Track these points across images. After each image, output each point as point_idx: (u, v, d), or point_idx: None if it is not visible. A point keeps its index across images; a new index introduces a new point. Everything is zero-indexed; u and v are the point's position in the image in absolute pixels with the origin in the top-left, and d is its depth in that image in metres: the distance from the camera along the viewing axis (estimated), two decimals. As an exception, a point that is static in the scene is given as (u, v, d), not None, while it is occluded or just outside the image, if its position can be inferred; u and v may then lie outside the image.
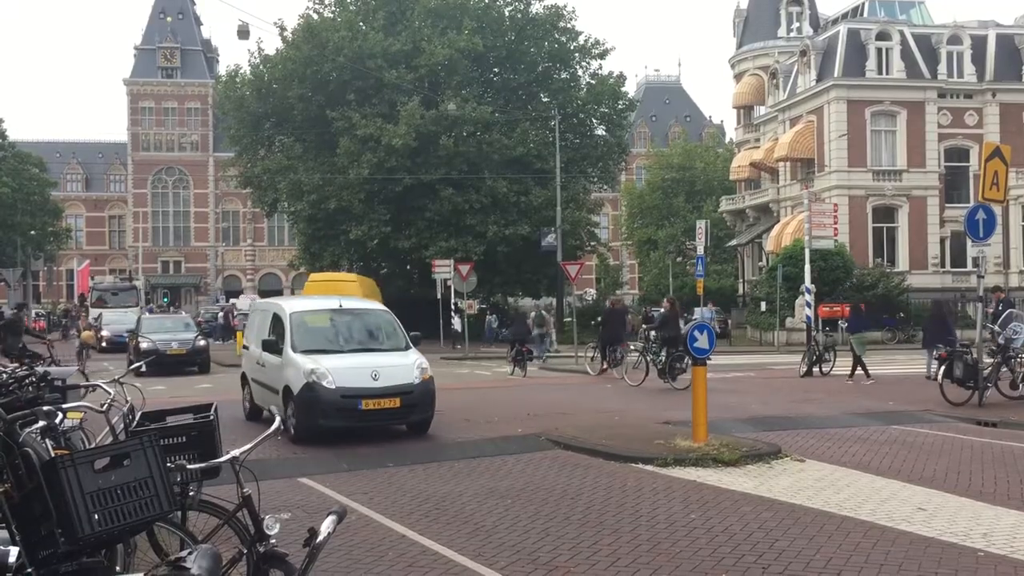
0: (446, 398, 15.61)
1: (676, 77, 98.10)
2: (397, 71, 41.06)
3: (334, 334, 13.68)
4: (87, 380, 9.73)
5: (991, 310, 18.74)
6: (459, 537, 7.68)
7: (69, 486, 3.72)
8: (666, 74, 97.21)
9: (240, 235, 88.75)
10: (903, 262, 44.31)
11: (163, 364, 24.34)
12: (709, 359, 12.21)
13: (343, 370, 12.36)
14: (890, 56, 44.78)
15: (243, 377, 15.33)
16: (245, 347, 15.64)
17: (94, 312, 44.21)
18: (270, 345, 13.28)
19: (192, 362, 26.77)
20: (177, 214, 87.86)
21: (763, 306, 40.39)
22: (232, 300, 65.84)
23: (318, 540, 3.15)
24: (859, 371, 21.30)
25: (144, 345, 25.76)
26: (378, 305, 16.11)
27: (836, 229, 31.08)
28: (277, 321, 13.85)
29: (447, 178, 40.53)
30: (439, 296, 36.19)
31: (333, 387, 12.14)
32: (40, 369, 8.53)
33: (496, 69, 46.59)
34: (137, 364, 15.12)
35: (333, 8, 45.59)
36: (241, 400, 15.25)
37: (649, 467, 10.65)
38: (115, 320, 38.92)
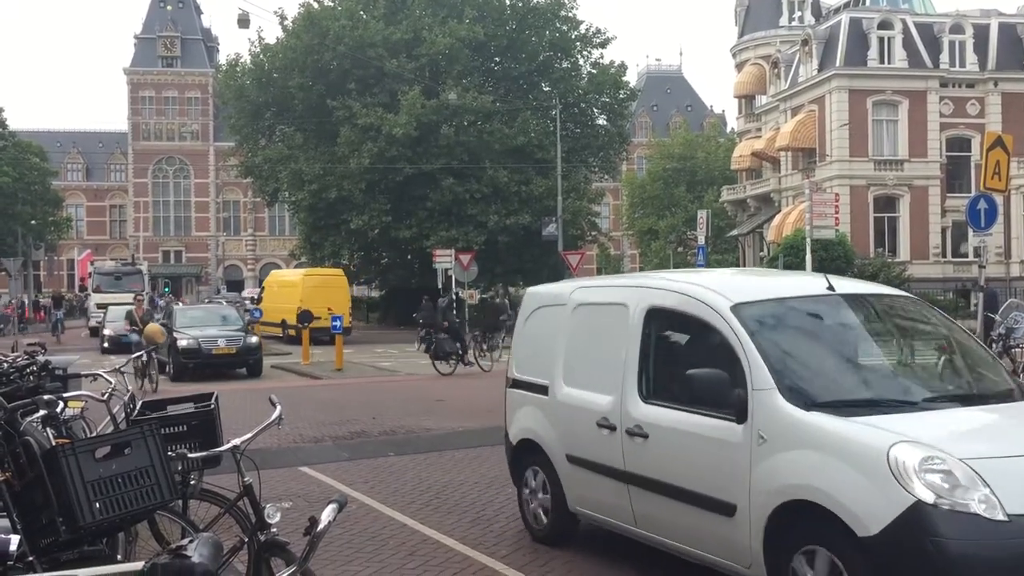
0: (447, 388, 15.62)
1: (677, 67, 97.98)
2: (398, 60, 40.99)
3: (861, 359, 5.88)
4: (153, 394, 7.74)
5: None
6: (460, 526, 7.69)
7: (70, 475, 3.72)
8: (667, 64, 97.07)
9: (241, 225, 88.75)
10: (904, 252, 44.31)
11: (208, 365, 21.43)
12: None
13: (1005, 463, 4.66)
14: (892, 45, 44.67)
15: (522, 449, 7.47)
16: (522, 384, 7.59)
17: (96, 298, 39.98)
18: (709, 388, 5.41)
19: (242, 362, 22.30)
20: (178, 204, 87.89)
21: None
22: (243, 294, 65.88)
23: (319, 529, 3.15)
24: None
25: (183, 343, 21.60)
26: (881, 287, 7.44)
27: (837, 219, 31.02)
28: (686, 326, 6.22)
29: (448, 168, 40.48)
30: (440, 286, 36.13)
31: (1001, 517, 4.37)
32: (41, 359, 8.54)
33: (497, 58, 46.48)
34: (138, 355, 14.84)
35: (333, -3, 45.50)
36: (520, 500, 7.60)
37: (650, 456, 10.60)
38: (123, 316, 33.77)
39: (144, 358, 16.16)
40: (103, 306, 34.81)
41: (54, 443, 4.17)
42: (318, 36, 41.61)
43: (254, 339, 22.88)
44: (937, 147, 44.88)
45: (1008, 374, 6.20)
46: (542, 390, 7.18)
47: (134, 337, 20.49)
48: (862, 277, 38.48)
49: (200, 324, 23.16)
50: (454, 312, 23.23)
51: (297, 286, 35.13)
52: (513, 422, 7.61)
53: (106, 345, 29.59)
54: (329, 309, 30.21)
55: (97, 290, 41.60)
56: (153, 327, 20.01)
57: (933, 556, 4.31)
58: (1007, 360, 16.69)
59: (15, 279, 39.42)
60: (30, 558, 3.67)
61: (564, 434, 6.86)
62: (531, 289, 8.36)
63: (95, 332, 35.37)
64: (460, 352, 22.01)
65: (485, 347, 23.83)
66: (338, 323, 25.18)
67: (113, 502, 3.82)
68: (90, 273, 46.20)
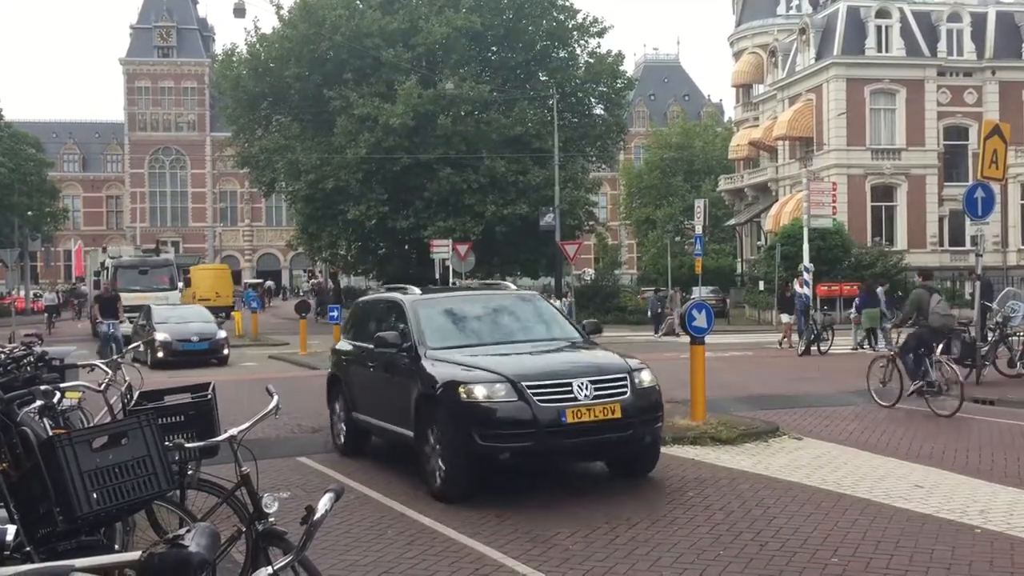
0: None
1: (675, 56, 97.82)
2: (394, 50, 40.88)
3: None
4: None
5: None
6: (458, 515, 7.69)
7: (67, 465, 3.72)
8: (665, 53, 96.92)
9: (238, 215, 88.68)
10: (901, 241, 44.34)
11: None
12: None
13: None
14: (890, 34, 44.61)
15: None
16: None
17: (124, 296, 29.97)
18: None
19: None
20: (174, 194, 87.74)
21: (761, 285, 40.37)
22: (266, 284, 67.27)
23: (315, 518, 3.16)
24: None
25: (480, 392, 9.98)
26: None
27: (835, 208, 31.06)
28: None
29: (445, 158, 40.41)
30: (438, 276, 36.14)
31: None
32: (38, 349, 8.53)
33: (494, 48, 46.36)
34: (135, 344, 14.70)
35: (330, -14, 45.33)
36: None
37: (647, 445, 10.65)
38: (174, 316, 24.59)
39: None
40: (129, 309, 27.30)
41: (51, 433, 4.17)
42: (314, 26, 41.51)
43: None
44: (934, 136, 44.88)
45: None
46: None
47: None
48: (859, 266, 38.57)
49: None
50: None
51: (198, 277, 45.99)
52: None
53: (160, 355, 21.81)
54: (216, 293, 42.59)
55: (114, 286, 32.74)
56: None
57: None
58: (1004, 348, 16.76)
59: (12, 270, 39.26)
60: (27, 548, 3.68)
61: None
62: None
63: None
64: None
65: None
66: (335, 313, 25.24)
67: (110, 492, 3.82)
68: (103, 264, 37.94)
